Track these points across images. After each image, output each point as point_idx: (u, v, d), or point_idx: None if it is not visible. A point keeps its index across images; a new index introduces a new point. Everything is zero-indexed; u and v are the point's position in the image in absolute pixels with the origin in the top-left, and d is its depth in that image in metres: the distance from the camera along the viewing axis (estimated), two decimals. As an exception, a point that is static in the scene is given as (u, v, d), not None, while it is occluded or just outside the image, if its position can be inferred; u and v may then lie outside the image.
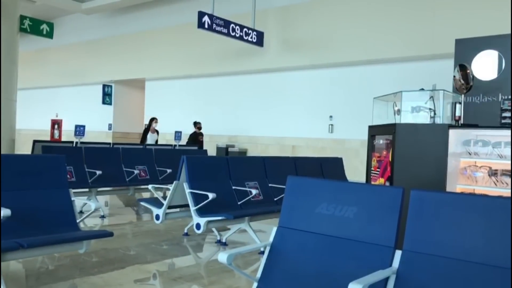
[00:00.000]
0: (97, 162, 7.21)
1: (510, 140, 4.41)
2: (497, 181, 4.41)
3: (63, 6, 16.40)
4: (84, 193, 6.99)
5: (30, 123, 20.61)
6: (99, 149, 8.50)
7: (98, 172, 6.90)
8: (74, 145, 8.54)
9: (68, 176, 6.40)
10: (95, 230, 6.06)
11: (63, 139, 19.42)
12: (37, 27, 12.47)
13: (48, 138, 19.61)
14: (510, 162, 4.36)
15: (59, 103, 20.58)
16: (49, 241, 3.49)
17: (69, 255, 4.64)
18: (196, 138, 12.77)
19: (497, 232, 2.07)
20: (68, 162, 5.68)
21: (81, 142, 8.62)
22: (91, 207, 3.99)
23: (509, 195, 4.09)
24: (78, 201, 4.72)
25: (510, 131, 4.43)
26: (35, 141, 7.80)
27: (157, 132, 12.48)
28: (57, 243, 3.57)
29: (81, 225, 4.61)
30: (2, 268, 3.32)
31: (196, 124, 12.97)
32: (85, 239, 3.74)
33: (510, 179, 4.34)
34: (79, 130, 8.84)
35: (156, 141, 12.33)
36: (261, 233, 5.81)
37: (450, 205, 2.24)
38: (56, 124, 20.66)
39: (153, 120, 12.31)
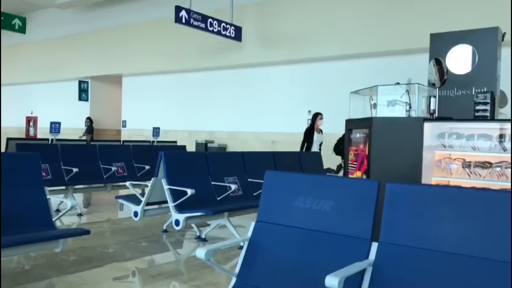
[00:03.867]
0: (74, 159, 7.10)
1: (483, 132, 4.53)
2: (471, 172, 4.51)
3: (36, 1, 15.98)
4: (61, 191, 6.89)
5: (5, 121, 20.14)
6: (76, 146, 8.38)
7: (75, 170, 6.80)
8: (49, 142, 8.41)
9: (44, 174, 6.30)
10: (72, 228, 5.98)
11: (38, 136, 19.09)
12: (8, 21, 12.22)
13: (23, 136, 19.27)
14: (483, 154, 4.47)
15: (34, 100, 20.16)
16: (24, 240, 3.44)
17: (45, 254, 4.57)
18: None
19: (471, 223, 2.11)
20: (44, 159, 5.59)
21: (57, 139, 8.49)
22: (68, 205, 3.94)
23: (482, 186, 4.18)
24: (55, 199, 4.65)
25: (486, 123, 4.54)
26: (8, 139, 7.66)
27: (321, 131, 9.37)
28: (33, 242, 3.52)
29: (58, 223, 4.54)
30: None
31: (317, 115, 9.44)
32: (61, 238, 3.69)
33: (483, 171, 4.44)
34: (55, 127, 8.72)
35: (321, 144, 9.24)
36: (241, 228, 5.81)
37: (425, 197, 2.27)
38: (31, 121, 20.27)
39: (317, 116, 9.23)
